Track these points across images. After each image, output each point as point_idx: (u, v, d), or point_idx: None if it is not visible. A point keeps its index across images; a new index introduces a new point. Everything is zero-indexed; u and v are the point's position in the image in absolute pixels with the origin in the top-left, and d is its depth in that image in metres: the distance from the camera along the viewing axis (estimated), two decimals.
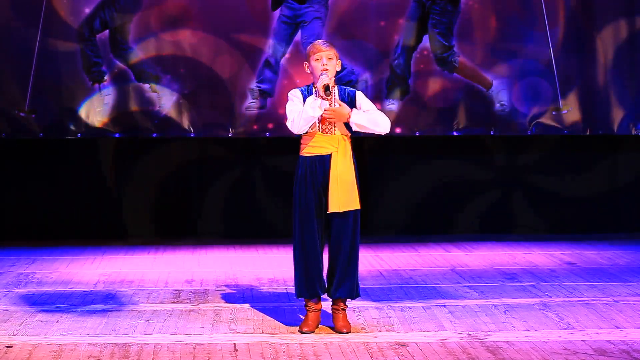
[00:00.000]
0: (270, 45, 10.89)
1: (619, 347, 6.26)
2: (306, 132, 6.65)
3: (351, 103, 6.69)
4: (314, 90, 6.67)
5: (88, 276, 8.93)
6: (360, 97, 6.75)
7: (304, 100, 6.64)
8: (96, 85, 10.83)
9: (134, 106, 10.90)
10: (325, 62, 6.61)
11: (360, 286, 6.84)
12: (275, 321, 7.02)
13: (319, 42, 6.68)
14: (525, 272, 9.03)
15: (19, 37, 10.72)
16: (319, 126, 6.65)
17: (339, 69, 6.71)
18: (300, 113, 6.56)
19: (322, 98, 6.55)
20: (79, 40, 10.78)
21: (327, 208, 6.61)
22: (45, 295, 8.01)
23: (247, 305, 7.58)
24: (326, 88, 6.52)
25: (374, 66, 10.99)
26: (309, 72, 6.71)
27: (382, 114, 6.71)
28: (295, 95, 6.70)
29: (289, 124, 6.64)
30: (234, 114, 10.96)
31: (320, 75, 6.58)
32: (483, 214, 11.46)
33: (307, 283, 6.68)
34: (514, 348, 6.26)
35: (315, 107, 6.54)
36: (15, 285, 8.51)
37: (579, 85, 11.16)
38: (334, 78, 6.65)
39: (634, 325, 6.84)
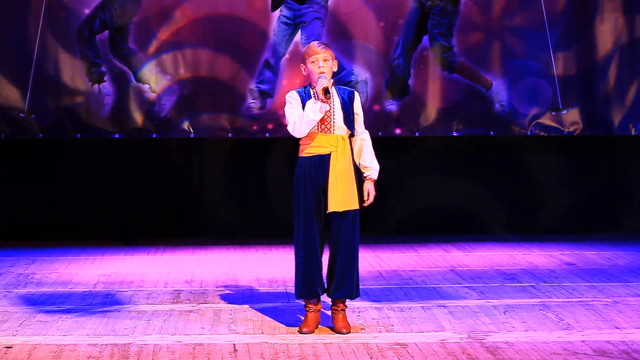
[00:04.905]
0: (270, 46, 10.89)
1: (618, 347, 6.27)
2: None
3: (350, 102, 6.70)
4: (311, 91, 6.67)
5: (88, 276, 8.94)
6: (357, 99, 6.76)
7: (302, 102, 6.65)
8: (96, 85, 10.83)
9: (133, 106, 10.90)
10: (322, 64, 6.61)
11: (360, 286, 6.84)
12: (275, 322, 7.03)
13: (315, 44, 6.68)
14: (525, 272, 9.03)
15: (19, 37, 10.73)
16: (318, 126, 6.65)
17: (335, 69, 6.72)
18: (301, 117, 6.57)
19: (322, 101, 6.56)
20: (78, 40, 10.79)
21: (326, 208, 6.62)
22: (45, 296, 8.01)
23: (246, 305, 7.58)
24: (325, 91, 6.53)
25: (374, 67, 10.99)
26: (305, 74, 6.73)
27: (370, 145, 6.81)
28: (292, 97, 6.70)
29: (290, 128, 6.64)
30: (234, 114, 10.96)
31: (319, 78, 6.59)
32: (483, 215, 11.46)
33: (307, 284, 6.69)
34: (513, 348, 6.26)
35: (315, 110, 6.55)
36: (15, 285, 8.51)
37: (578, 85, 11.16)
38: (332, 79, 6.67)
39: (634, 326, 6.84)
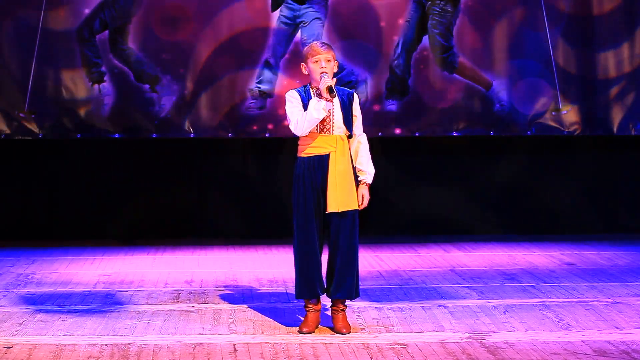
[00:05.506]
0: (270, 46, 10.90)
1: (618, 347, 6.27)
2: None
3: (349, 103, 6.71)
4: (311, 91, 6.68)
5: (88, 276, 8.94)
6: (356, 101, 6.77)
7: (302, 101, 6.65)
8: (96, 85, 10.83)
9: (133, 106, 10.90)
10: (324, 64, 6.61)
11: (360, 286, 6.84)
12: (275, 322, 7.03)
13: (317, 44, 6.68)
14: (525, 272, 9.03)
15: (19, 37, 10.72)
16: (317, 126, 6.66)
17: (336, 70, 6.73)
18: (304, 116, 6.57)
19: (327, 100, 6.56)
20: (78, 40, 10.79)
21: (325, 208, 6.62)
22: (45, 296, 8.01)
23: (246, 305, 7.58)
24: (330, 90, 6.53)
25: (374, 67, 10.99)
26: (306, 73, 6.72)
27: (367, 148, 6.78)
28: (293, 96, 6.70)
29: (292, 126, 6.64)
30: (234, 114, 10.96)
31: (321, 77, 6.58)
32: (483, 215, 11.46)
33: (307, 284, 6.69)
34: (513, 348, 6.26)
35: (319, 109, 6.55)
36: (15, 285, 8.51)
37: (578, 86, 11.16)
38: (334, 79, 6.67)
39: (634, 326, 6.84)
